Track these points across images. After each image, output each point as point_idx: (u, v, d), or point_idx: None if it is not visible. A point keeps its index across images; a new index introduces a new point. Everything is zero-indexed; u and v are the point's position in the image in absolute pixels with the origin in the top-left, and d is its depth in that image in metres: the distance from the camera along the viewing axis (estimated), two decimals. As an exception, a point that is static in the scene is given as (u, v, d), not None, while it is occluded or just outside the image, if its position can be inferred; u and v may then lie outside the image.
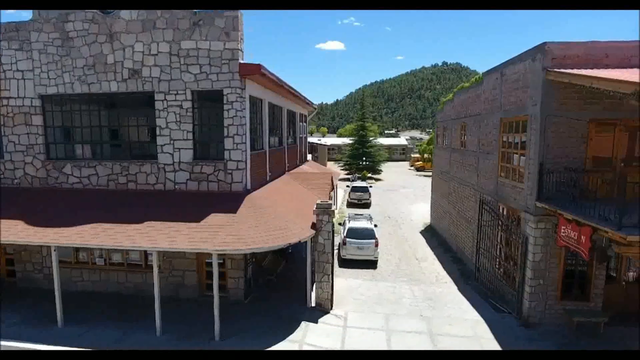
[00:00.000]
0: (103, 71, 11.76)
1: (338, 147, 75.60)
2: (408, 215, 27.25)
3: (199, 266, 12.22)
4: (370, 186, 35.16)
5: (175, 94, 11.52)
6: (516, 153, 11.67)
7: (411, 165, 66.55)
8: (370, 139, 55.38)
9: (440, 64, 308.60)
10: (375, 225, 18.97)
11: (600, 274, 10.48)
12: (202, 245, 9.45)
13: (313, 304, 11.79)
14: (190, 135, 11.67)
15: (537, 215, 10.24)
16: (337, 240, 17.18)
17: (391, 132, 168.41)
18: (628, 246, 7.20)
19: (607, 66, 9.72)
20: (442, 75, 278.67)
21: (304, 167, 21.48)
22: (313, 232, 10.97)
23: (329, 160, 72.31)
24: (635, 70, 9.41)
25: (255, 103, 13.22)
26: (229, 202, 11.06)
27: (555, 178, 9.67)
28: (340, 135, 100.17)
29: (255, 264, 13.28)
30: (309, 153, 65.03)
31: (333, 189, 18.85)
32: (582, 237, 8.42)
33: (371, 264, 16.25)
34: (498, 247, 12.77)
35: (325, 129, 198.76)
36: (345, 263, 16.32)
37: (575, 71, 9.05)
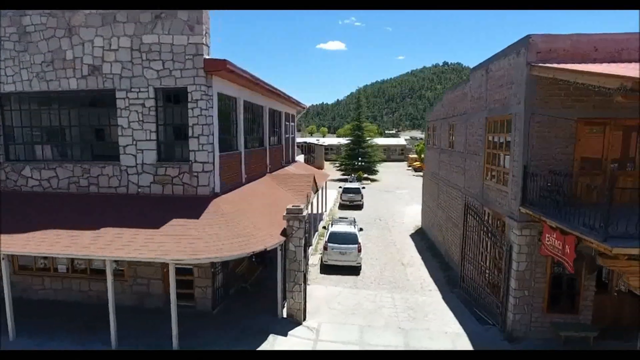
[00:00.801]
0: (62, 67, 11.07)
1: (337, 148, 74.82)
2: (400, 218, 26.52)
3: (165, 274, 11.51)
4: (363, 187, 34.43)
5: (138, 92, 10.82)
6: (501, 154, 10.94)
7: (409, 166, 65.77)
8: (367, 139, 54.68)
9: (441, 64, 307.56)
10: (361, 229, 18.27)
11: (590, 284, 9.75)
12: (154, 255, 8.77)
13: (284, 315, 11.08)
14: (153, 136, 10.97)
15: (522, 221, 9.51)
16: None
17: (391, 132, 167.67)
18: (614, 259, 6.47)
19: (595, 60, 8.98)
20: (442, 75, 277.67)
21: (290, 169, 20.78)
22: (282, 239, 10.26)
23: (327, 160, 71.68)
24: (626, 64, 8.68)
25: (227, 101, 12.55)
26: (193, 206, 10.35)
27: (540, 182, 8.93)
28: (339, 136, 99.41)
29: (229, 270, 12.59)
30: (305, 154, 64.44)
31: (317, 190, 18.14)
32: (567, 246, 7.70)
33: (354, 270, 15.52)
34: (483, 253, 12.03)
35: (326, 129, 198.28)
36: (328, 269, 15.59)
37: (559, 66, 8.32)
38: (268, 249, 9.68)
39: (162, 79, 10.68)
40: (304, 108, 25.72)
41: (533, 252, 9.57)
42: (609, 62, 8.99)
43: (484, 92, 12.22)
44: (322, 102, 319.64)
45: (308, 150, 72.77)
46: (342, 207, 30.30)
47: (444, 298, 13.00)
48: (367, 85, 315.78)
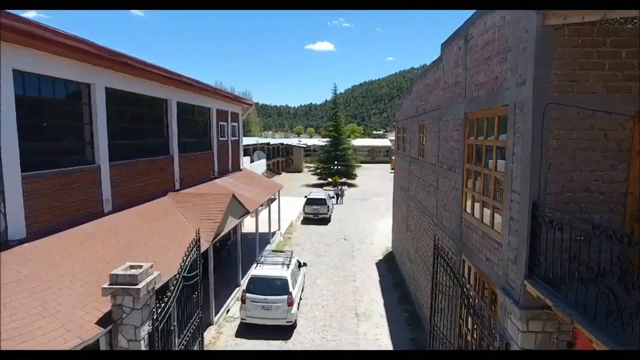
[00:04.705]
0: None
1: (320, 149, 70.32)
2: (369, 236, 22.11)
3: None
4: (332, 197, 29.93)
5: None
6: (490, 175, 6.50)
7: (392, 168, 61.56)
8: (345, 140, 50.33)
9: (428, 64, 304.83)
10: (302, 265, 13.76)
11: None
12: None
13: None
14: None
15: (528, 308, 5.05)
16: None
17: (379, 132, 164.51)
18: None
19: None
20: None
21: (222, 182, 16.16)
22: (95, 332, 5.64)
23: (307, 163, 67.00)
24: None
25: (64, 88, 8.00)
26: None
27: (567, 234, 4.46)
28: (324, 136, 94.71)
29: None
30: (282, 156, 59.61)
31: (245, 214, 13.58)
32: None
33: (283, 332, 10.98)
34: (462, 331, 7.60)
35: (313, 129, 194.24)
36: (247, 330, 11.03)
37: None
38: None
39: None
40: (249, 105, 21.18)
41: (549, 363, 5.12)
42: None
43: (461, 73, 7.79)
44: (311, 103, 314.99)
45: (286, 152, 68.11)
46: (306, 221, 25.84)
47: (404, 388, 8.55)
48: (355, 85, 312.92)
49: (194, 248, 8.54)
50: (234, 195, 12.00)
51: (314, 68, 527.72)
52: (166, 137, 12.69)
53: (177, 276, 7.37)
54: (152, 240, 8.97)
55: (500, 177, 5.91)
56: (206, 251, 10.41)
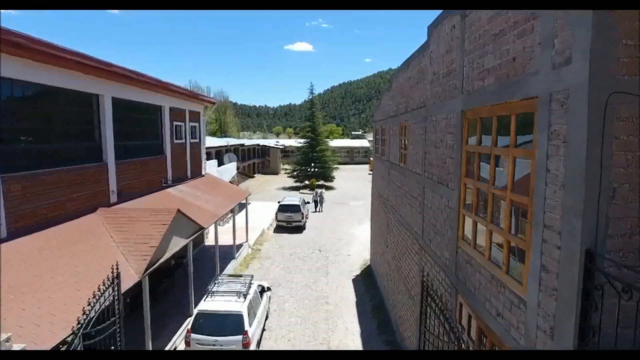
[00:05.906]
0: None
1: (297, 150, 68.28)
2: (346, 246, 20.30)
3: None
4: (307, 202, 27.98)
5: None
6: (502, 196, 4.70)
7: (371, 170, 60.14)
8: (327, 141, 48.60)
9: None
10: (266, 289, 11.80)
11: None
12: None
13: None
14: None
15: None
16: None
17: (358, 132, 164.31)
18: None
19: None
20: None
21: (176, 191, 14.00)
22: None
23: (285, 164, 64.70)
24: None
25: None
26: None
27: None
28: (301, 137, 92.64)
29: None
30: (258, 157, 57.34)
31: (199, 231, 11.50)
32: None
33: (239, 378, 8.98)
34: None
35: (292, 130, 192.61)
36: (194, 376, 8.98)
37: None
38: None
39: None
40: (212, 102, 19.05)
41: None
42: None
43: (457, 59, 6.00)
44: (290, 103, 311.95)
45: (262, 153, 65.66)
46: (279, 229, 23.86)
47: None
48: (334, 86, 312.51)
49: (111, 288, 6.45)
50: (179, 211, 9.91)
51: (293, 68, 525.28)
52: (98, 141, 10.48)
53: (73, 336, 5.27)
54: (56, 277, 6.81)
55: (522, 202, 4.11)
56: (141, 281, 8.34)
